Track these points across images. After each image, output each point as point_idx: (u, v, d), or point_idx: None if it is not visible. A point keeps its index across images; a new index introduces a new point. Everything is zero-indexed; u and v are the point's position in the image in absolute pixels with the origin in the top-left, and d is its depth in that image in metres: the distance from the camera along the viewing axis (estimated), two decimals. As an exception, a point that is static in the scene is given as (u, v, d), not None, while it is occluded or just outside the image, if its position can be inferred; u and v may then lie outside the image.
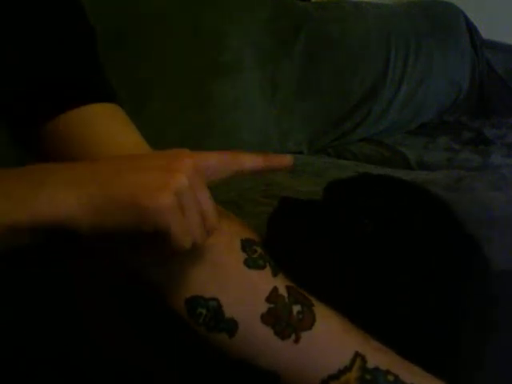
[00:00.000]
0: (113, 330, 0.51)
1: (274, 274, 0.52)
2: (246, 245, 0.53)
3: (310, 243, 0.58)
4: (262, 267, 0.52)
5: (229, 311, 0.51)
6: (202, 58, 1.61)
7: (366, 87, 1.93)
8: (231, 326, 0.51)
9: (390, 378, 0.51)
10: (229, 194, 1.19)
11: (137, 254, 0.47)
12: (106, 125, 0.53)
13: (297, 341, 0.51)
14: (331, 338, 0.52)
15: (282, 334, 0.51)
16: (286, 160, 0.52)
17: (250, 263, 0.52)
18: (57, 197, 0.41)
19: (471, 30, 2.27)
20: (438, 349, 0.55)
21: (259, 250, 0.53)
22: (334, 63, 1.88)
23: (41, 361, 0.46)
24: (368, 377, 0.50)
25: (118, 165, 0.44)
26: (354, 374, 0.51)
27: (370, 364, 0.51)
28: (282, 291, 0.52)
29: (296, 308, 0.51)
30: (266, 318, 0.51)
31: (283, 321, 0.51)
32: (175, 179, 0.43)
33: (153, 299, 0.51)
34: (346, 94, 1.90)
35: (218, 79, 1.62)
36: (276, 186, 1.30)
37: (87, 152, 0.52)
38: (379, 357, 0.52)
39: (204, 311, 0.50)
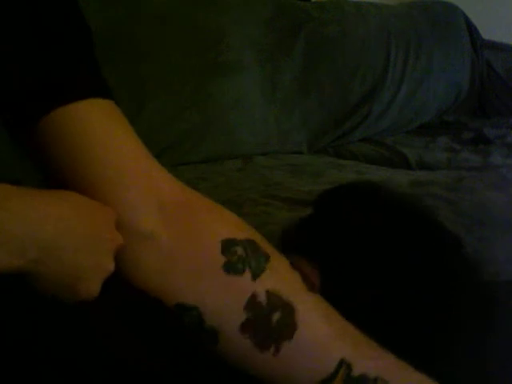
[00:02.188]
0: (113, 330, 0.51)
1: (254, 278, 0.50)
2: (226, 246, 0.50)
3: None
4: (241, 271, 0.50)
5: (209, 320, 0.49)
6: (202, 57, 1.61)
7: (366, 87, 1.93)
8: (212, 336, 0.49)
9: None
10: (229, 194, 1.19)
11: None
12: (100, 122, 0.50)
13: (277, 352, 0.49)
14: (314, 347, 0.50)
15: (261, 346, 0.49)
16: None
17: (229, 268, 0.50)
18: None
19: (471, 29, 2.27)
20: (436, 348, 0.55)
21: (240, 250, 0.50)
22: (334, 63, 1.88)
23: (41, 361, 0.46)
24: None
25: (57, 239, 0.43)
26: None
27: (356, 372, 0.50)
28: (261, 298, 0.50)
29: (275, 316, 0.49)
30: (245, 329, 0.49)
31: (262, 331, 0.49)
32: (110, 266, 0.46)
33: (151, 300, 0.51)
34: (346, 94, 1.90)
35: (218, 79, 1.62)
36: (276, 185, 1.30)
37: (81, 152, 0.49)
38: (369, 363, 0.50)
39: (188, 319, 0.49)
